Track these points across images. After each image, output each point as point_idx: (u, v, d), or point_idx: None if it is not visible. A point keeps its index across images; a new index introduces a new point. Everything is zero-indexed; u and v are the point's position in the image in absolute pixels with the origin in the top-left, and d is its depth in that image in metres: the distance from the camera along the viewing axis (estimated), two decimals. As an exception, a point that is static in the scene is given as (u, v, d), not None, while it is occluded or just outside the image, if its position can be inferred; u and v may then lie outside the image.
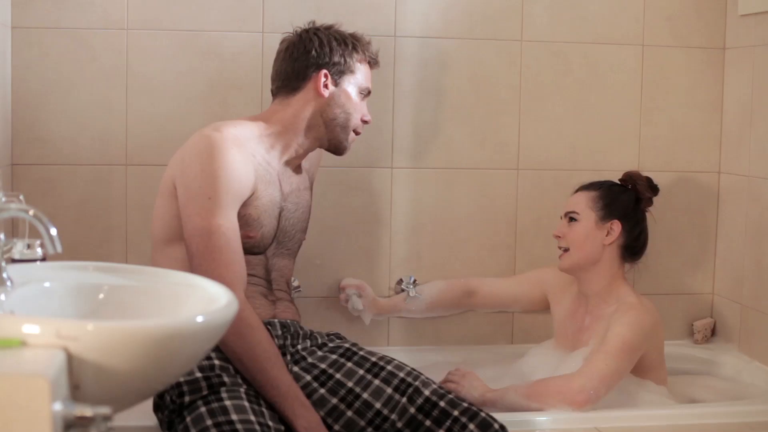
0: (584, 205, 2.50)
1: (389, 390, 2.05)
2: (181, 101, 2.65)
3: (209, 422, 1.88)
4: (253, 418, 1.90)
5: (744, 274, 2.81)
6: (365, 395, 2.05)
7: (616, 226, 2.48)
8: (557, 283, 2.68)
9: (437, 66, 2.76)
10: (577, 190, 2.57)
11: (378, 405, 2.03)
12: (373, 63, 2.32)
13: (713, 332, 2.95)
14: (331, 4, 2.68)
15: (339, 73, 2.23)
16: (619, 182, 2.56)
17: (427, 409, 2.01)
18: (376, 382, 2.07)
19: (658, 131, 2.90)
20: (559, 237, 2.52)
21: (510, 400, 2.28)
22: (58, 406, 1.14)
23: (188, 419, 1.92)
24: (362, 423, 2.03)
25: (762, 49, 2.73)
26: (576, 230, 2.48)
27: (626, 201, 2.51)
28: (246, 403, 1.94)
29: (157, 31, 2.62)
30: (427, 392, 2.03)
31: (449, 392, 2.05)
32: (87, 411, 1.18)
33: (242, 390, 1.97)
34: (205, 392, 1.95)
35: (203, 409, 1.92)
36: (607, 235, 2.48)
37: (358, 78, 2.26)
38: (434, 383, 2.07)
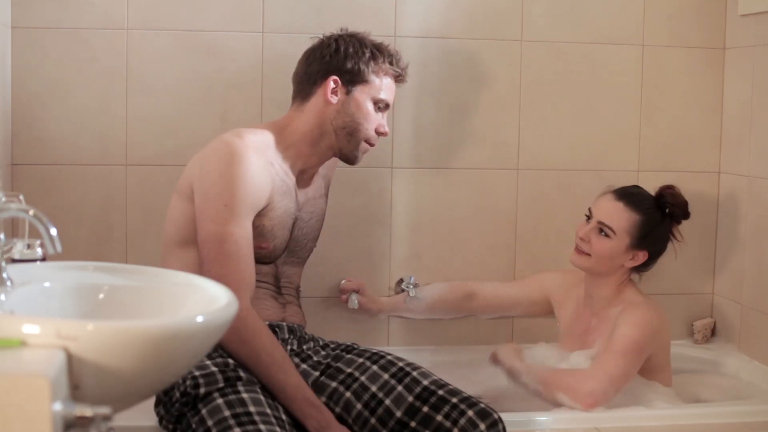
0: (622, 228, 2.40)
1: (386, 376, 2.08)
2: (181, 101, 2.65)
3: (227, 413, 1.89)
4: (269, 411, 1.93)
5: (744, 274, 2.81)
6: (363, 378, 2.09)
7: (643, 256, 2.44)
8: (561, 287, 2.67)
9: (437, 66, 2.76)
10: (616, 197, 2.44)
11: (374, 388, 2.06)
12: (396, 77, 2.28)
13: (713, 332, 2.95)
14: (332, 4, 2.68)
15: (350, 81, 2.21)
16: (656, 199, 2.46)
17: (425, 396, 2.03)
18: (374, 368, 2.10)
19: (658, 131, 2.90)
20: (584, 241, 2.43)
21: (528, 379, 2.30)
22: (58, 406, 1.14)
23: (204, 411, 1.93)
24: (359, 406, 2.05)
25: (762, 49, 2.72)
26: (605, 246, 2.41)
27: (662, 235, 2.45)
28: (262, 397, 1.96)
29: (157, 31, 2.62)
30: (425, 382, 2.06)
31: (449, 384, 2.07)
32: (87, 411, 1.18)
33: (258, 386, 2.00)
34: (221, 384, 1.96)
35: (220, 400, 1.93)
36: (631, 259, 2.44)
37: (372, 89, 2.22)
38: (434, 375, 2.10)
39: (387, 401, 2.04)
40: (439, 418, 1.98)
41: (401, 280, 2.79)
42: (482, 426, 1.95)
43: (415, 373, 2.08)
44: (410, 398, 2.03)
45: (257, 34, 2.66)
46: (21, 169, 2.59)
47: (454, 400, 2.00)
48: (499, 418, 1.98)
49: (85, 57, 2.60)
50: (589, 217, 2.46)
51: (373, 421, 2.04)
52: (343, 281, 2.72)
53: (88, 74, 2.60)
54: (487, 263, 2.84)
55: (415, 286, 2.77)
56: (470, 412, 1.97)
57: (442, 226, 2.81)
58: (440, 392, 2.02)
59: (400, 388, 2.05)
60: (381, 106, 2.26)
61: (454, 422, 1.96)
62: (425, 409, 2.00)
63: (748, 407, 2.37)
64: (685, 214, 2.49)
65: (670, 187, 2.48)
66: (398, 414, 2.02)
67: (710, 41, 2.90)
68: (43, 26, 2.57)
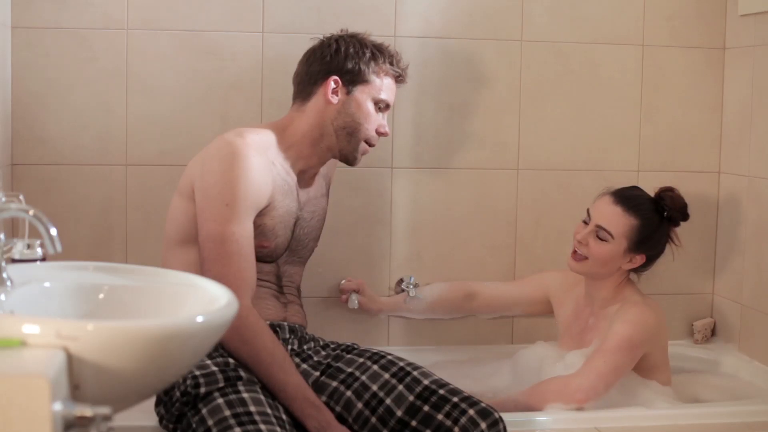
0: (620, 232, 2.40)
1: (386, 375, 2.08)
2: (181, 101, 2.65)
3: (227, 413, 1.89)
4: (269, 411, 1.93)
5: (744, 274, 2.81)
6: (363, 378, 2.09)
7: (640, 258, 2.44)
8: (560, 286, 2.67)
9: (437, 66, 2.76)
10: (614, 201, 2.43)
11: (375, 387, 2.06)
12: (397, 77, 2.28)
13: (713, 332, 2.95)
14: (332, 4, 2.68)
15: (351, 81, 2.21)
16: (654, 201, 2.46)
17: (425, 395, 2.03)
18: (375, 367, 2.10)
19: (658, 131, 2.90)
20: (582, 244, 2.44)
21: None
22: (58, 406, 1.14)
23: (204, 410, 1.93)
24: (360, 405, 2.06)
25: (762, 49, 2.73)
26: (603, 250, 2.41)
27: (660, 238, 2.46)
28: (262, 397, 1.96)
29: (157, 31, 2.62)
30: (426, 381, 2.06)
31: (449, 383, 2.07)
32: (87, 411, 1.18)
33: (258, 386, 2.00)
34: (221, 384, 1.96)
35: (221, 400, 1.93)
36: (628, 262, 2.44)
37: (373, 89, 2.23)
38: (434, 375, 2.10)
39: (387, 400, 2.04)
40: (440, 417, 1.98)
41: (401, 280, 2.79)
42: (483, 425, 1.95)
43: (415, 373, 2.08)
44: (411, 397, 2.03)
45: (257, 34, 2.66)
46: (21, 169, 2.59)
47: (455, 399, 2.00)
48: (500, 417, 1.98)
49: (85, 57, 2.60)
50: (587, 220, 2.47)
51: (373, 420, 2.04)
52: (343, 281, 2.72)
53: (88, 74, 2.60)
54: (487, 263, 2.84)
55: (415, 286, 2.77)
56: (471, 411, 1.97)
57: (442, 226, 2.81)
58: (441, 391, 2.03)
59: (400, 387, 2.05)
60: (381, 106, 2.26)
61: (455, 421, 1.96)
62: (426, 408, 2.01)
63: (748, 407, 2.37)
64: (684, 217, 2.49)
65: (669, 189, 2.48)
66: (399, 413, 2.02)
67: (710, 41, 2.90)
68: (43, 26, 2.57)
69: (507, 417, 2.02)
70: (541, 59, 2.82)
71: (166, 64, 2.63)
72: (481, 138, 2.81)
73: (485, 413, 1.97)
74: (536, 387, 2.34)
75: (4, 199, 1.60)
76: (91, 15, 2.59)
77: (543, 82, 2.83)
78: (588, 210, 2.47)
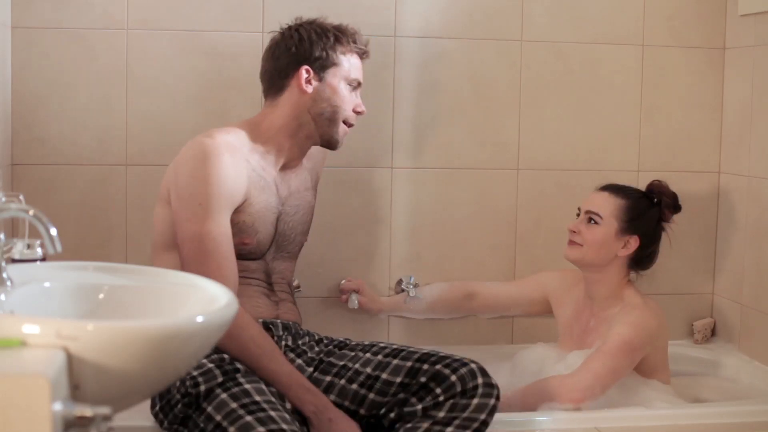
0: (609, 212, 2.45)
1: (379, 357, 2.11)
2: (181, 101, 2.65)
3: (234, 405, 1.90)
4: (274, 399, 1.94)
5: (744, 274, 2.81)
6: (356, 365, 2.11)
7: (634, 242, 2.46)
8: (560, 286, 2.68)
9: (437, 66, 2.76)
10: (602, 189, 2.51)
11: (369, 370, 2.09)
12: (361, 54, 2.29)
13: (713, 332, 2.95)
14: (332, 4, 2.68)
15: (321, 67, 2.22)
16: (644, 192, 2.51)
17: (424, 359, 2.06)
18: (367, 355, 2.13)
19: (658, 131, 2.90)
20: (575, 232, 2.47)
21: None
22: (58, 406, 1.14)
23: (209, 408, 1.93)
24: (354, 387, 2.08)
25: (762, 49, 2.73)
26: (595, 233, 2.44)
27: (650, 219, 2.48)
28: (264, 387, 1.98)
29: (157, 31, 2.62)
30: (423, 350, 2.09)
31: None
32: (87, 411, 1.18)
33: (257, 377, 2.01)
34: (221, 379, 1.97)
35: (224, 395, 1.93)
36: (623, 247, 2.46)
37: (343, 70, 2.24)
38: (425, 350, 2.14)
39: (384, 375, 2.06)
40: (438, 367, 2.02)
41: (401, 280, 2.79)
42: (480, 380, 1.99)
43: (409, 348, 2.11)
44: (409, 363, 2.06)
45: (257, 34, 2.66)
46: (21, 169, 2.59)
47: (455, 356, 2.05)
48: (497, 385, 2.02)
49: (85, 57, 2.60)
50: (579, 213, 2.51)
51: (372, 396, 2.06)
52: (343, 281, 2.72)
53: (88, 74, 2.60)
54: (487, 263, 2.84)
55: (415, 286, 2.77)
56: (472, 365, 2.01)
57: (442, 226, 2.81)
58: (440, 354, 2.06)
59: (395, 361, 2.08)
60: (354, 85, 2.27)
61: (454, 370, 2.00)
62: (425, 366, 2.03)
63: (748, 407, 2.37)
64: (675, 204, 2.52)
65: (658, 181, 2.54)
66: (399, 379, 2.04)
67: (710, 41, 2.90)
68: (43, 26, 2.57)
69: (505, 417, 2.02)
70: (541, 59, 2.82)
71: (166, 64, 2.63)
72: (481, 138, 2.81)
73: (484, 372, 2.01)
74: (531, 385, 2.34)
75: (4, 199, 1.60)
76: (91, 15, 2.59)
77: (543, 82, 2.83)
78: (579, 207, 2.52)
